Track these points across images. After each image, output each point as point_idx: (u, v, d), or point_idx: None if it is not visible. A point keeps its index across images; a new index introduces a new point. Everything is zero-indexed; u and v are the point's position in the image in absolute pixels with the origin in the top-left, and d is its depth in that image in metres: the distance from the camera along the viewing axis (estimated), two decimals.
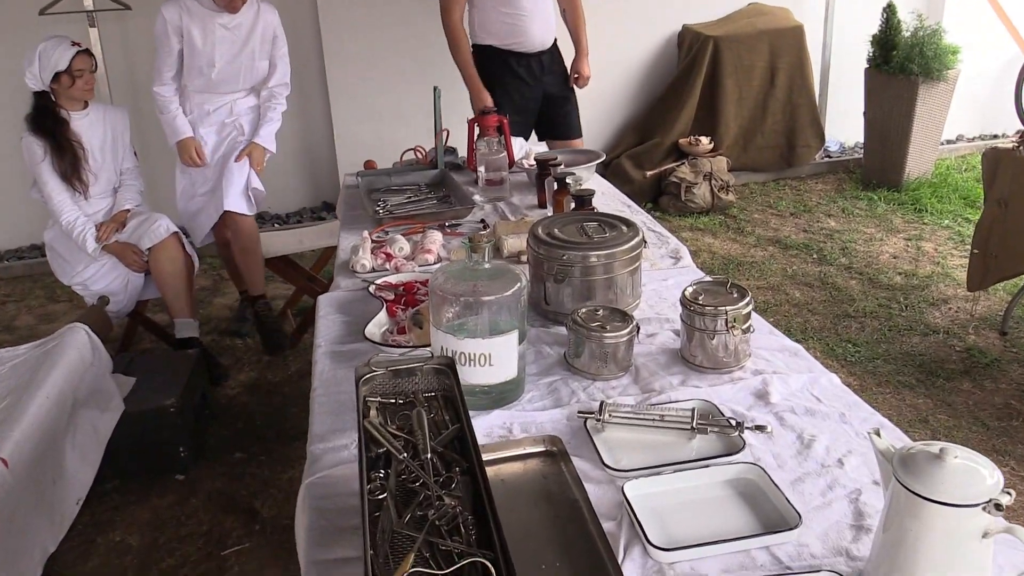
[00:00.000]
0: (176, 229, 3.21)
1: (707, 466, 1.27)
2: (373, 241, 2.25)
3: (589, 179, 2.55)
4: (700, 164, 5.01)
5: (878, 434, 1.02)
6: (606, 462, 1.29)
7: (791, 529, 1.12)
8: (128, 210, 3.24)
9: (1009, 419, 2.95)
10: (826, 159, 5.72)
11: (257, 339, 3.66)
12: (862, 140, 5.89)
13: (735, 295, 1.56)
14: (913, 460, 0.95)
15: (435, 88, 3.05)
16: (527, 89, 3.80)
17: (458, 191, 2.79)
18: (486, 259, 1.43)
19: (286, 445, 2.93)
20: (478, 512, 1.01)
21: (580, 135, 4.04)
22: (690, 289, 1.59)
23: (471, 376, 1.41)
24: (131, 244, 3.14)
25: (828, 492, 1.22)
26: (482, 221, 2.51)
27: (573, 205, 2.27)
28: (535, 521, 1.19)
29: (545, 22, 3.74)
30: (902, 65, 4.76)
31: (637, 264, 1.79)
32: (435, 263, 2.15)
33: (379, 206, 2.71)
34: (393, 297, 1.90)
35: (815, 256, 4.38)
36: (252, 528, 2.51)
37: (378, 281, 1.98)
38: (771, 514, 1.17)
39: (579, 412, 1.41)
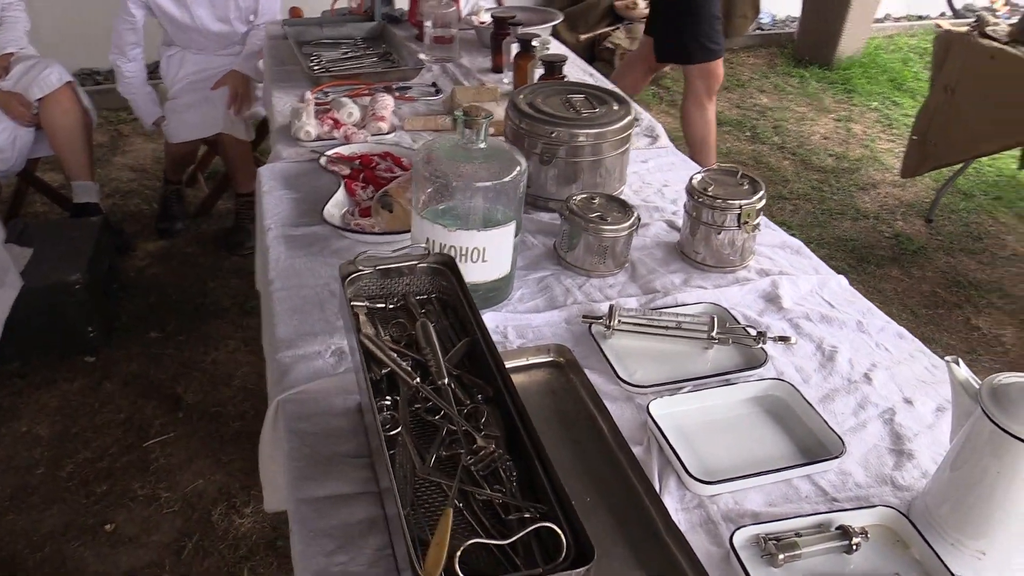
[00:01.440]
0: (71, 78, 2.77)
1: (732, 382, 1.16)
2: (316, 104, 1.96)
3: (548, 42, 2.30)
4: (636, 30, 4.75)
5: (957, 363, 0.92)
6: (620, 375, 1.16)
7: (836, 458, 1.03)
8: (11, 54, 2.76)
9: (935, 307, 3.02)
10: (758, 31, 5.56)
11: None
12: (793, 13, 5.76)
13: (746, 186, 1.42)
14: (1006, 394, 0.85)
15: None
16: None
17: (401, 48, 2.49)
18: (482, 137, 1.22)
19: (206, 322, 2.70)
20: (513, 451, 0.87)
21: None
22: (698, 177, 1.43)
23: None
24: (16, 94, 2.69)
25: (860, 412, 1.13)
26: (433, 84, 2.25)
27: (541, 72, 2.05)
28: (551, 446, 1.06)
29: None
30: None
31: (627, 146, 1.61)
32: (389, 132, 1.91)
33: (313, 62, 2.39)
34: (349, 172, 1.66)
35: (748, 134, 4.30)
36: (175, 416, 2.30)
37: (329, 152, 1.73)
38: (806, 437, 1.08)
39: (584, 317, 1.26)
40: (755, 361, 1.21)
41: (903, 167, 3.52)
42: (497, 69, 2.39)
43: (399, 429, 0.86)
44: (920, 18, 6.14)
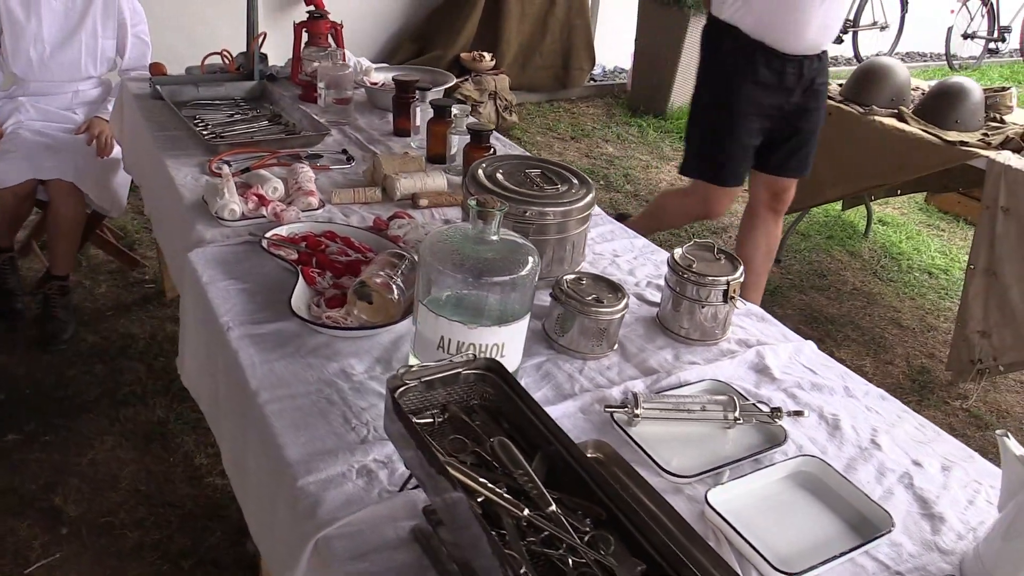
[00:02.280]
0: None
1: (761, 462, 1.17)
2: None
3: (467, 110, 2.26)
4: (484, 82, 4.83)
5: (1007, 436, 0.98)
6: (661, 465, 1.14)
7: (889, 532, 1.06)
8: None
9: None
10: (591, 83, 5.83)
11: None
12: (620, 64, 6.10)
13: (723, 260, 1.46)
14: None
15: None
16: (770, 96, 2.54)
17: (291, 111, 2.36)
18: (495, 229, 1.17)
19: (73, 418, 2.38)
20: None
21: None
22: (678, 253, 1.45)
23: None
24: None
25: (882, 479, 1.19)
26: (344, 151, 2.14)
27: (465, 142, 2.00)
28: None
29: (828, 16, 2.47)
30: None
31: (589, 222, 1.61)
32: (319, 207, 1.78)
33: (199, 126, 2.20)
34: (297, 256, 1.53)
35: (602, 182, 4.47)
36: (58, 532, 2.00)
37: (268, 235, 1.58)
38: (848, 511, 1.11)
39: (606, 407, 1.23)
40: (775, 438, 1.23)
41: None
42: (401, 133, 2.32)
43: (523, 571, 0.79)
44: None
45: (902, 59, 7.66)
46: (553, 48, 5.33)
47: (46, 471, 2.18)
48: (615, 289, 1.40)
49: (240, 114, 2.38)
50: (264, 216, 1.71)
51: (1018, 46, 8.24)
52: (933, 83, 3.51)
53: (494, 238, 1.17)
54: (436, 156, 2.12)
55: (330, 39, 2.55)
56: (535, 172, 1.61)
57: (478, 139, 1.95)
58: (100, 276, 3.09)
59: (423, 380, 0.99)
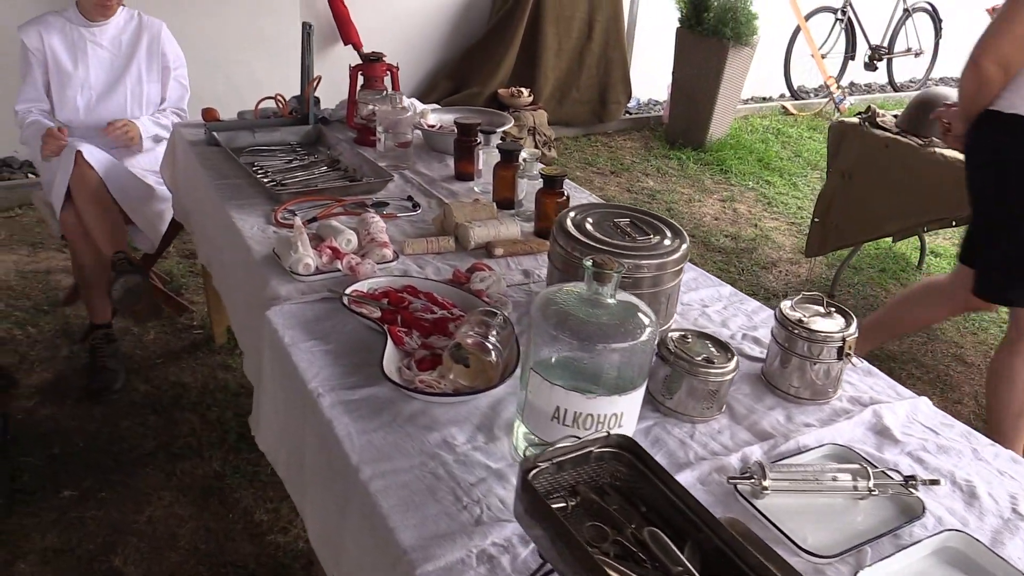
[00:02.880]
0: None
1: (901, 537, 1.08)
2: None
3: (537, 155, 2.20)
4: (523, 117, 4.80)
5: None
6: (798, 543, 1.05)
7: None
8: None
9: None
10: (627, 115, 5.79)
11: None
12: (656, 98, 6.07)
13: (834, 314, 1.38)
14: None
15: (306, 25, 2.50)
16: None
17: (351, 155, 2.32)
18: (612, 292, 1.10)
19: (130, 473, 2.32)
20: None
21: None
22: (787, 307, 1.37)
23: None
24: None
25: None
26: (409, 198, 2.09)
27: (539, 186, 1.94)
28: None
29: None
30: (715, 28, 4.88)
31: (682, 276, 1.54)
32: (393, 259, 1.73)
33: (257, 172, 2.16)
34: (380, 313, 1.47)
35: None
36: None
37: (348, 291, 1.52)
38: None
39: (729, 478, 1.14)
40: (912, 510, 1.14)
41: (807, 247, 3.71)
42: (463, 177, 2.27)
43: None
44: (764, 99, 6.65)
45: (935, 84, 7.58)
46: (590, 82, 5.30)
47: (104, 530, 2.11)
48: (722, 347, 1.33)
49: (298, 160, 2.34)
50: (339, 270, 1.65)
51: None
52: None
53: (611, 301, 1.10)
54: (503, 201, 2.06)
55: (386, 82, 2.51)
56: (624, 221, 1.54)
57: (551, 184, 1.89)
58: (148, 323, 3.05)
59: (555, 462, 0.92)
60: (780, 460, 1.21)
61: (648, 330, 1.09)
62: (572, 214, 1.54)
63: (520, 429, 1.17)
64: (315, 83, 2.52)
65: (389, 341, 1.37)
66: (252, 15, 4.19)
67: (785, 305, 1.38)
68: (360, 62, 2.48)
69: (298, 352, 1.38)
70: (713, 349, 1.32)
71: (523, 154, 2.02)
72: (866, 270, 4.03)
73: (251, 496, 2.27)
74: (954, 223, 3.85)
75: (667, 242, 1.49)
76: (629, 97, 5.55)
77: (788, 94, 6.68)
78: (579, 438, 0.95)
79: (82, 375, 2.71)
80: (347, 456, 1.14)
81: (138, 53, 2.80)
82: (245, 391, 2.71)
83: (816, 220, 3.62)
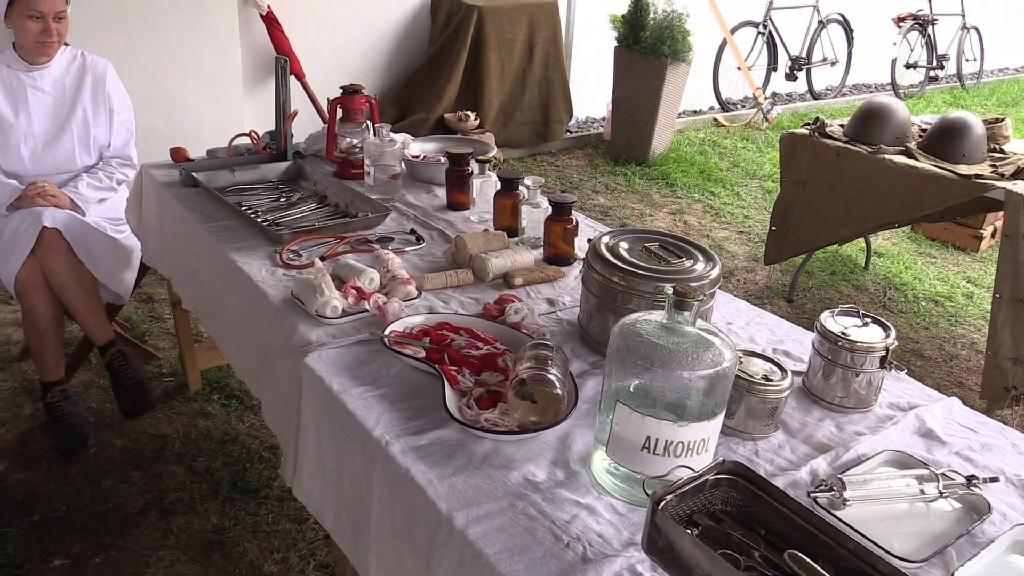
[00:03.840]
0: None
1: (976, 536, 1.13)
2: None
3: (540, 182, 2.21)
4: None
5: None
6: (888, 550, 1.08)
7: None
8: None
9: None
10: (568, 134, 5.87)
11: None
12: (593, 115, 6.18)
13: (872, 325, 1.43)
14: None
15: (279, 59, 2.45)
16: None
17: (340, 190, 2.28)
18: (693, 320, 1.12)
19: (121, 535, 2.20)
20: None
21: None
22: (828, 320, 1.42)
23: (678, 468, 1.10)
24: None
25: None
26: (412, 231, 2.07)
27: (547, 213, 1.96)
28: None
29: None
30: (652, 46, 5.00)
31: (716, 299, 1.58)
32: (417, 296, 1.71)
33: (252, 213, 2.11)
34: (423, 353, 1.45)
35: None
36: None
37: (387, 332, 1.50)
38: None
39: (809, 492, 1.17)
40: (979, 508, 1.19)
41: (766, 255, 3.83)
42: (457, 207, 2.26)
43: None
44: (696, 112, 6.85)
45: (850, 91, 7.95)
46: (533, 103, 5.36)
47: None
48: (772, 363, 1.36)
49: (284, 197, 2.29)
50: (366, 310, 1.62)
51: (954, 72, 8.64)
52: (926, 118, 3.62)
53: (689, 329, 1.12)
54: (504, 230, 2.06)
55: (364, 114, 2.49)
56: (654, 245, 1.57)
57: (560, 211, 1.91)
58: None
59: (679, 493, 0.93)
60: (845, 471, 1.25)
61: (729, 355, 1.11)
62: (604, 240, 1.56)
63: (602, 462, 1.17)
64: (292, 117, 2.47)
65: (445, 381, 1.35)
66: (196, 55, 4.09)
67: (826, 318, 1.42)
68: (339, 94, 2.45)
69: (352, 400, 1.34)
70: (766, 367, 1.35)
71: (527, 181, 2.03)
72: (818, 274, 4.18)
73: (256, 548, 2.19)
74: (896, 224, 4.05)
75: (700, 266, 1.52)
76: (571, 116, 5.64)
77: (718, 106, 6.89)
78: (692, 468, 0.96)
79: (42, 434, 2.57)
80: (434, 504, 1.12)
81: (82, 95, 2.66)
82: (230, 438, 2.62)
83: (773, 228, 3.75)
